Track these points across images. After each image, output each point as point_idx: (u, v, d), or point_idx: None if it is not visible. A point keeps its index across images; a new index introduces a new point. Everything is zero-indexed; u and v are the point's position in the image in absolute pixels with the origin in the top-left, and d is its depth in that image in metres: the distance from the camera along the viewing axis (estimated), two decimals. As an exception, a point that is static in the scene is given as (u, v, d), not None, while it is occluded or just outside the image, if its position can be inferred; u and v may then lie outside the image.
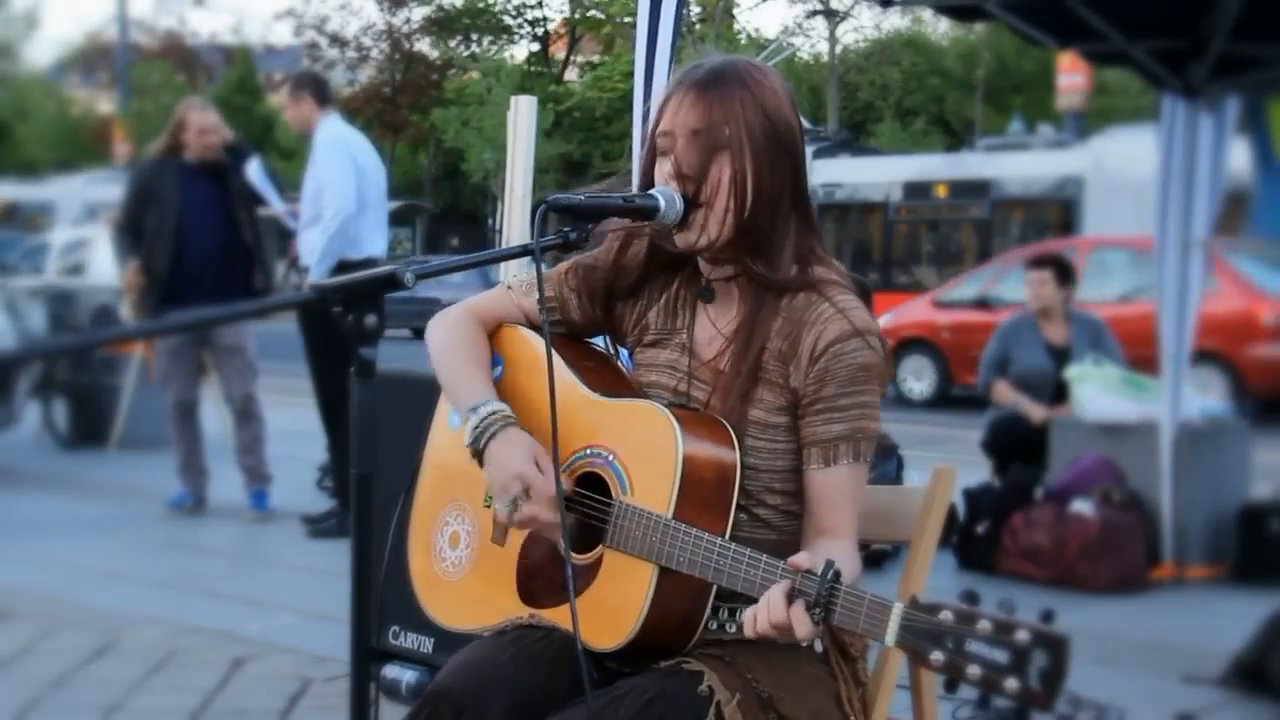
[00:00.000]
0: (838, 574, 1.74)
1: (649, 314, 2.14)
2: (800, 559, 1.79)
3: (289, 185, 7.52)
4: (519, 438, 2.00)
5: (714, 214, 1.98)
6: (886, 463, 5.50)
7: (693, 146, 1.98)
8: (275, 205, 6.94)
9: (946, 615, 1.63)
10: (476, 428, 2.01)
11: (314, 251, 6.38)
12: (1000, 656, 1.58)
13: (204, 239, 6.84)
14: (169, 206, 6.86)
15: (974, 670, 1.60)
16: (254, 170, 6.89)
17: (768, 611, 1.77)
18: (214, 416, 7.78)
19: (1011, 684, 1.57)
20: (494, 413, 2.02)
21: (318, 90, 6.65)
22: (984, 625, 1.60)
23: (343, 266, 6.23)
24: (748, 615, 1.81)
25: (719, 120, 1.97)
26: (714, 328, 2.08)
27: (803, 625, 1.75)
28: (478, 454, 2.01)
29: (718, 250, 2.03)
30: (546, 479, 1.96)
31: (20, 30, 38.25)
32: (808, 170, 2.06)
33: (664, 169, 2.02)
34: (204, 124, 6.91)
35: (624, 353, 2.23)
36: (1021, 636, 1.57)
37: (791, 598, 1.76)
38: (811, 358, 1.97)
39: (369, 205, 6.47)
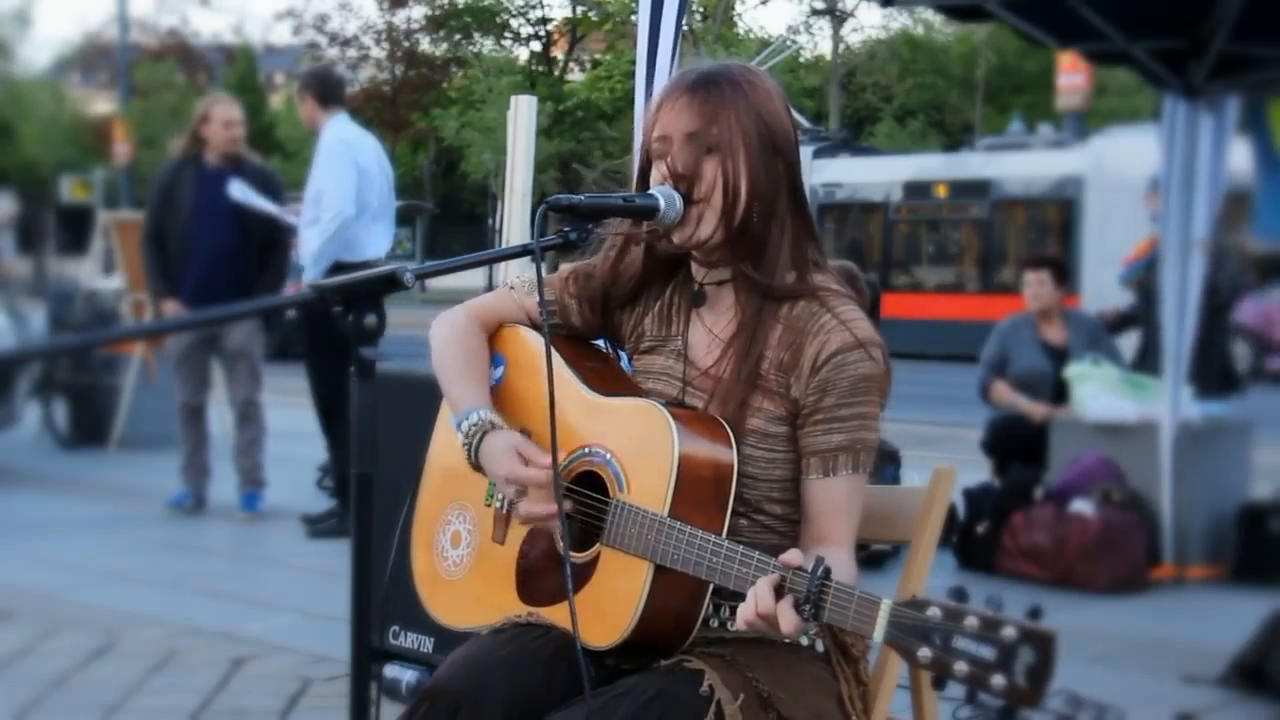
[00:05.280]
0: (828, 571, 1.74)
1: (645, 320, 2.15)
2: (792, 556, 1.79)
3: (290, 184, 7.49)
4: (497, 441, 2.03)
5: (710, 209, 1.99)
6: (886, 468, 5.49)
7: (687, 148, 1.99)
8: (268, 208, 6.90)
9: (935, 612, 1.63)
10: (465, 444, 2.05)
11: (310, 253, 6.37)
12: (987, 653, 1.58)
13: (214, 241, 6.82)
14: (182, 208, 6.85)
15: (961, 667, 1.60)
16: (235, 190, 6.83)
17: (754, 603, 1.77)
18: (217, 417, 7.78)
19: (998, 681, 1.57)
20: (475, 424, 2.05)
21: (320, 91, 6.61)
22: (971, 622, 1.60)
23: (340, 269, 6.20)
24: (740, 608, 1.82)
25: (712, 122, 1.98)
26: (710, 333, 2.07)
27: (789, 620, 1.75)
28: (477, 467, 2.06)
29: (710, 251, 2.03)
30: (534, 468, 1.98)
31: (12, 29, 38.10)
32: (806, 172, 2.06)
33: (659, 171, 2.02)
34: (228, 117, 6.90)
35: (624, 356, 2.23)
36: (1008, 633, 1.57)
37: (780, 591, 1.76)
38: (813, 368, 1.97)
39: (369, 208, 6.43)
